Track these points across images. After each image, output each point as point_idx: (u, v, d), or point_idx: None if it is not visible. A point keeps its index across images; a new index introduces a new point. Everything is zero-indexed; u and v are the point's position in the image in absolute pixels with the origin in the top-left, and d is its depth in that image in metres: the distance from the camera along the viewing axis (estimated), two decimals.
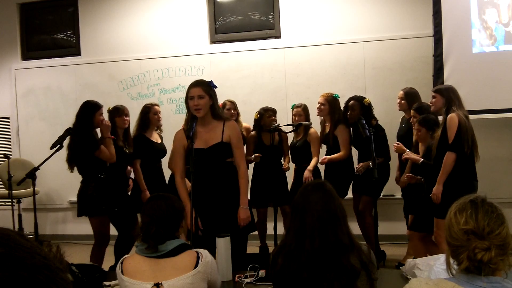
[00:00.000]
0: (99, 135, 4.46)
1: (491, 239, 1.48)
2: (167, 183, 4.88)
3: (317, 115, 5.01)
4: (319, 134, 5.03)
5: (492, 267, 1.48)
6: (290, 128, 4.99)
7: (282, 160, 5.14)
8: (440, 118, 4.10)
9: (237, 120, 4.92)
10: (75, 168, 4.37)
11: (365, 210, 4.75)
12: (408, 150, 4.38)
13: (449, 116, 3.79)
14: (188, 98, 3.30)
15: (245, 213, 3.29)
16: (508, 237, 1.51)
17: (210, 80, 3.39)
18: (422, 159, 4.13)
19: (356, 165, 4.92)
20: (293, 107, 5.11)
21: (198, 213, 3.22)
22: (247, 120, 5.27)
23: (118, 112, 4.67)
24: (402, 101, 4.78)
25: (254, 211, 5.05)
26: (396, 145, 4.54)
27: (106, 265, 4.08)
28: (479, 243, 1.48)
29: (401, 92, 4.83)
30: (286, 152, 5.14)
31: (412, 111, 4.42)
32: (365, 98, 4.86)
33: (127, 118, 4.68)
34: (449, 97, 3.89)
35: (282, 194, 4.97)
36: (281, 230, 4.77)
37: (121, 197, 4.52)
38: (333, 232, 1.92)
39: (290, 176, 5.17)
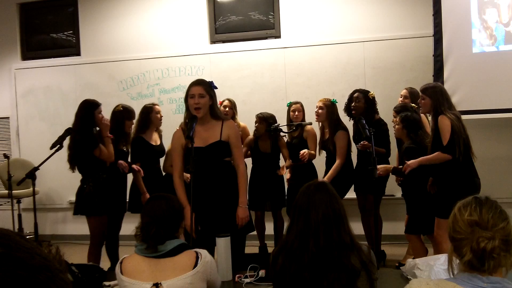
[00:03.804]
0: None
1: (494, 232, 1.51)
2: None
3: (316, 120, 4.97)
4: (317, 135, 5.01)
5: (495, 256, 1.49)
6: (290, 128, 4.98)
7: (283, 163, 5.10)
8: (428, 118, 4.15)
9: (233, 119, 4.89)
10: (76, 167, 4.36)
11: (371, 208, 4.75)
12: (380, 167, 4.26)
13: (440, 118, 3.77)
14: (188, 96, 3.30)
15: (244, 212, 3.28)
16: (511, 235, 1.52)
17: (210, 80, 3.40)
18: (393, 166, 4.25)
19: (355, 166, 4.93)
20: (290, 104, 5.08)
21: (196, 213, 3.22)
22: (247, 120, 5.27)
23: (131, 116, 4.67)
24: (406, 100, 4.78)
25: (252, 212, 5.07)
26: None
27: (103, 265, 4.08)
28: (483, 232, 1.50)
29: (405, 90, 4.85)
30: (286, 157, 5.05)
31: (397, 120, 4.47)
32: (370, 92, 4.86)
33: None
34: (436, 99, 3.85)
35: (279, 199, 4.95)
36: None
37: (119, 197, 4.52)
38: (337, 232, 1.93)
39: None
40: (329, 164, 4.92)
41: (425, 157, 3.83)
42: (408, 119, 4.16)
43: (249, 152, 5.05)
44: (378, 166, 4.21)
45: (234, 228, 3.21)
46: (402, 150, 4.22)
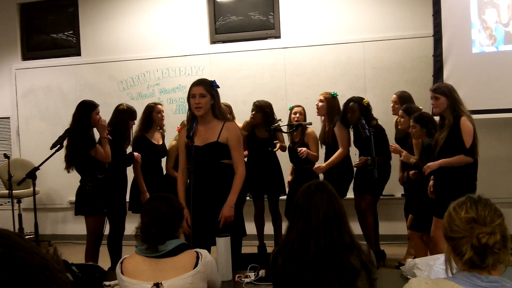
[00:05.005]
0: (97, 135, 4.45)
1: (494, 227, 1.51)
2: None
3: (317, 114, 5.00)
4: (318, 135, 5.02)
5: (496, 251, 1.49)
6: (290, 128, 4.99)
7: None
8: (436, 118, 4.13)
9: None
10: (74, 168, 4.36)
11: (367, 209, 4.75)
12: (404, 151, 4.38)
13: (463, 120, 3.75)
14: (189, 96, 3.31)
15: (229, 211, 3.23)
16: (507, 231, 1.53)
17: (212, 80, 3.40)
18: (414, 160, 4.18)
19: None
20: (292, 107, 5.11)
21: (192, 212, 3.21)
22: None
23: (134, 116, 4.69)
24: (396, 105, 4.79)
25: (250, 206, 5.07)
26: (393, 146, 4.53)
27: (103, 265, 4.07)
28: (483, 228, 1.51)
29: (394, 96, 4.86)
30: (281, 140, 5.09)
31: (400, 112, 4.46)
32: (364, 99, 4.85)
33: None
34: (453, 98, 3.85)
35: (277, 186, 4.97)
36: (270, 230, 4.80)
37: (118, 197, 4.52)
38: (338, 231, 1.93)
39: (286, 173, 5.17)
40: (327, 159, 4.91)
41: (446, 159, 3.77)
42: (423, 117, 4.14)
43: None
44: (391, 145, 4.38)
45: (224, 230, 3.17)
46: (423, 147, 4.14)
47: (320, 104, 4.91)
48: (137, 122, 4.79)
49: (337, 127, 4.80)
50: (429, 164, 3.82)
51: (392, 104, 4.84)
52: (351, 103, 4.81)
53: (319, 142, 4.99)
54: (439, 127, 4.02)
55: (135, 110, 4.73)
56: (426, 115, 4.20)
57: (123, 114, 4.62)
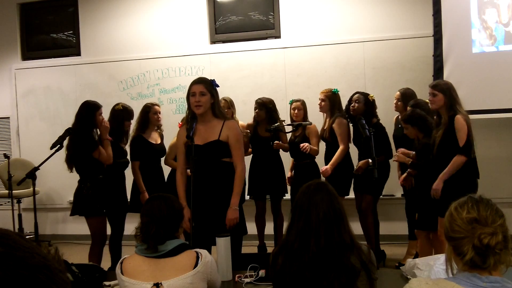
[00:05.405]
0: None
1: (495, 228, 1.51)
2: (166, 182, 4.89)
3: (320, 111, 5.01)
4: (319, 131, 5.02)
5: (497, 252, 1.49)
6: (290, 128, 4.99)
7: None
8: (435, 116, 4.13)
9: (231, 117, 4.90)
10: (73, 168, 4.36)
11: (367, 209, 4.75)
12: (412, 152, 4.32)
13: (457, 118, 3.76)
14: (189, 95, 3.32)
15: (233, 214, 3.25)
16: (508, 232, 1.53)
17: (212, 79, 3.41)
18: (411, 160, 4.16)
19: (356, 164, 4.92)
20: (292, 102, 5.11)
21: (193, 211, 3.21)
22: (247, 121, 5.27)
23: (130, 116, 4.70)
24: (399, 102, 4.78)
25: (251, 207, 5.07)
26: (400, 150, 4.38)
27: (103, 265, 4.08)
28: (485, 229, 1.51)
29: (398, 93, 4.85)
30: (284, 141, 5.07)
31: (409, 108, 4.44)
32: (370, 94, 4.87)
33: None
34: (450, 95, 3.86)
35: (279, 186, 4.97)
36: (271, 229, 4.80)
37: (118, 197, 4.52)
38: (338, 231, 1.93)
39: (287, 170, 5.17)
40: (327, 156, 4.91)
41: (445, 172, 3.77)
42: (411, 117, 4.14)
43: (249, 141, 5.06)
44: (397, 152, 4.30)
45: (225, 229, 3.18)
46: (420, 146, 4.14)
47: (323, 103, 4.92)
48: (134, 121, 4.80)
49: (336, 124, 4.79)
50: (434, 187, 3.80)
51: (395, 101, 4.84)
52: (357, 94, 4.82)
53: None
54: (436, 124, 4.02)
55: (131, 110, 4.73)
56: (413, 113, 4.17)
57: (119, 114, 4.63)
